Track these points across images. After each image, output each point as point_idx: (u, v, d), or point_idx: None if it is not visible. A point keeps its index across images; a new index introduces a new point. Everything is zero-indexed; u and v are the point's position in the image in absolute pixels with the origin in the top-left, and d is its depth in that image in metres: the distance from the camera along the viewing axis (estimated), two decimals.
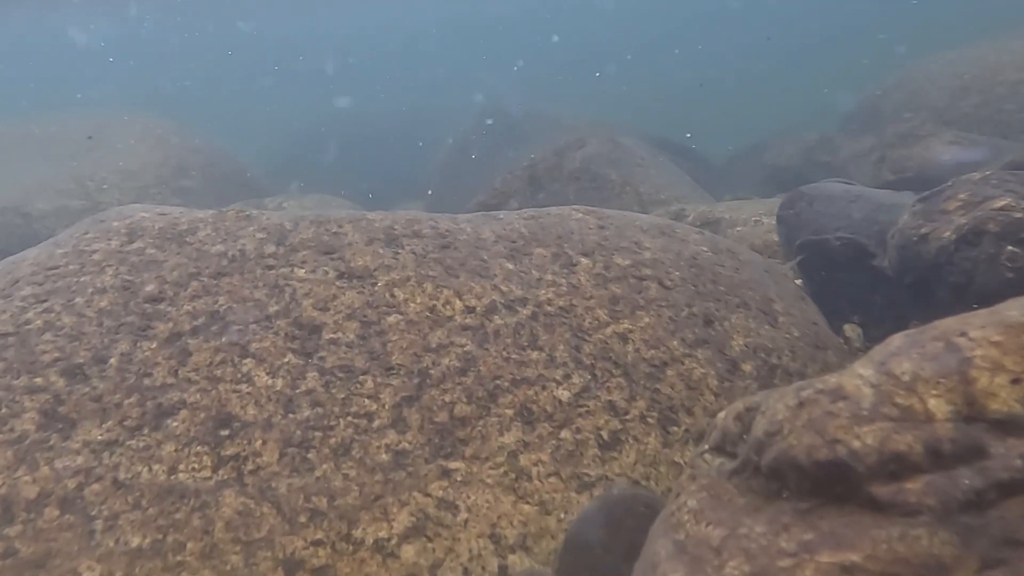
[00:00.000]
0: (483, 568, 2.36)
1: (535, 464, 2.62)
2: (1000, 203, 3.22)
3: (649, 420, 2.83)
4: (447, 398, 2.76)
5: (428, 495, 2.49)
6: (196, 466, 2.48)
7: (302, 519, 2.38)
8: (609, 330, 3.11)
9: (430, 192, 13.05)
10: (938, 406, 1.51)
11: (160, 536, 2.30)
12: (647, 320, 3.18)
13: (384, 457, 2.57)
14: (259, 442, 2.56)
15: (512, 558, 2.40)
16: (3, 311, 3.00)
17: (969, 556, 1.35)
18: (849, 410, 1.58)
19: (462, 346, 2.93)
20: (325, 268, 3.18)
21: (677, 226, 4.10)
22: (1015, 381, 1.48)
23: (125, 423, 2.58)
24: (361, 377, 2.78)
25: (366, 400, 2.71)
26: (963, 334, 1.59)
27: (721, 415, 1.98)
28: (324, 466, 2.52)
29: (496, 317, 3.06)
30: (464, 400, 2.76)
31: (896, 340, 1.72)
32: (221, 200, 9.98)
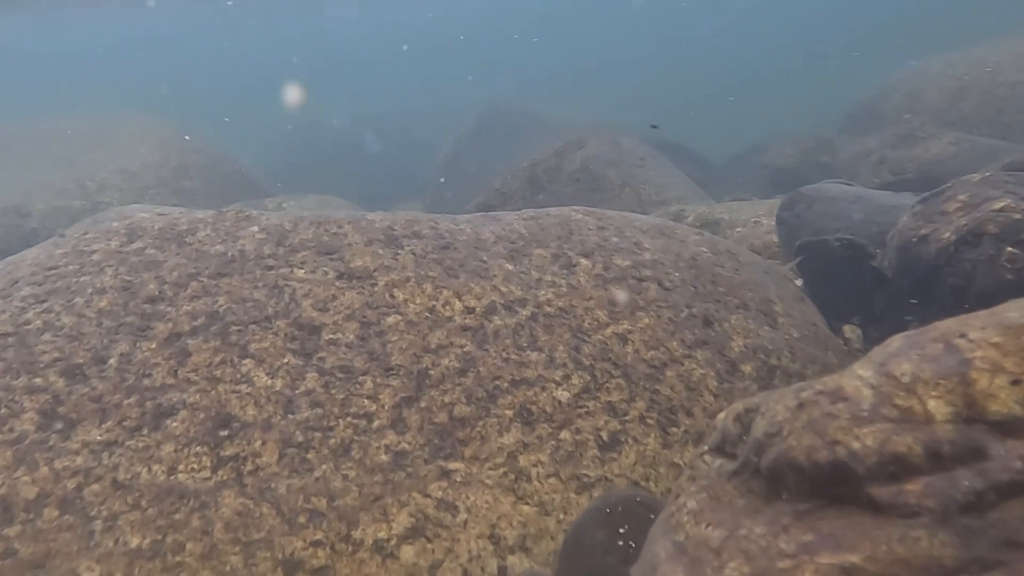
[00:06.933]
0: (482, 569, 2.36)
1: (534, 465, 2.62)
2: (999, 204, 3.22)
3: (648, 421, 2.83)
4: (447, 399, 2.75)
5: (428, 496, 2.49)
6: (195, 466, 2.48)
7: (301, 520, 2.38)
8: (609, 331, 3.11)
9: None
10: (938, 407, 1.51)
11: (159, 536, 2.30)
12: (647, 321, 3.18)
13: (384, 458, 2.57)
14: (258, 443, 2.55)
15: (511, 559, 2.40)
16: (3, 311, 2.99)
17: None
18: (849, 411, 1.57)
19: (462, 347, 2.92)
20: (325, 268, 3.18)
21: (677, 227, 4.10)
22: (1015, 383, 1.48)
23: (124, 423, 2.58)
24: (361, 378, 2.78)
25: (365, 401, 2.71)
26: (963, 335, 1.59)
27: (721, 416, 1.97)
28: (323, 467, 2.52)
29: (496, 318, 3.06)
30: (464, 401, 2.76)
31: (896, 341, 1.71)
32: (221, 201, 9.97)
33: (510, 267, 3.33)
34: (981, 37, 10.94)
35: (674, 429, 2.83)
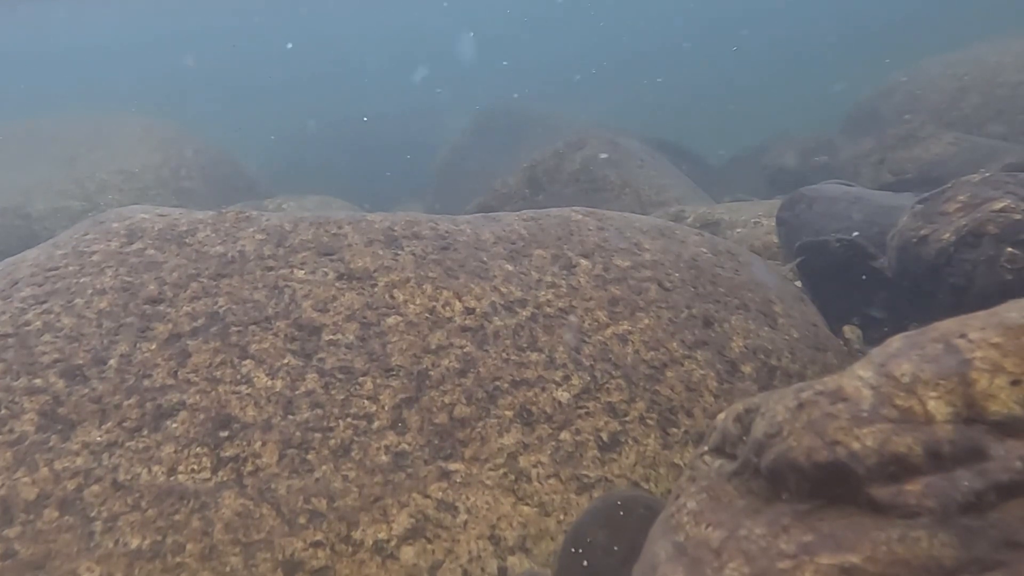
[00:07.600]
0: (482, 570, 2.36)
1: (535, 465, 2.62)
2: (999, 205, 3.22)
3: (649, 422, 2.83)
4: (447, 399, 2.75)
5: (428, 496, 2.49)
6: (195, 467, 2.48)
7: (301, 520, 2.38)
8: (609, 331, 3.11)
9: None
10: (938, 408, 1.51)
11: (159, 537, 2.30)
12: (647, 322, 3.18)
13: (384, 458, 2.57)
14: (258, 443, 2.55)
15: (512, 560, 2.40)
16: (3, 312, 2.99)
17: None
18: (849, 412, 1.57)
19: (462, 347, 2.92)
20: (325, 269, 3.18)
21: (677, 227, 4.10)
22: (1015, 383, 1.48)
23: (124, 424, 2.58)
24: (361, 378, 2.78)
25: (365, 401, 2.71)
26: (963, 336, 1.59)
27: (721, 417, 1.97)
28: (323, 467, 2.52)
29: (496, 318, 3.06)
30: (464, 401, 2.76)
31: (896, 342, 1.71)
32: (221, 201, 9.98)
33: (510, 268, 3.33)
34: (981, 37, 10.95)
35: (674, 430, 2.83)
